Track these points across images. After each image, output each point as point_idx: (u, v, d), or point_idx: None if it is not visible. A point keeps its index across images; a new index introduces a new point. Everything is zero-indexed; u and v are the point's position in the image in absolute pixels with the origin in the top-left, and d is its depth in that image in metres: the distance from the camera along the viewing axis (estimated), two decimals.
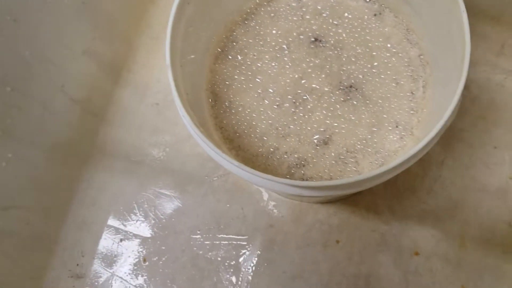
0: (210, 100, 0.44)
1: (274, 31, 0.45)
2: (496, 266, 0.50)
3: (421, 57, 0.43)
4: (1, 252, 0.46)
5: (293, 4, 0.45)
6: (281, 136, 0.42)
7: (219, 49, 0.45)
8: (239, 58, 0.45)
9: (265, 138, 0.43)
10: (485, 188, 0.52)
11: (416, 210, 0.53)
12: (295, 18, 0.45)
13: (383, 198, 0.53)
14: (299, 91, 0.43)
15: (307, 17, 0.45)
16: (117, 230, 0.55)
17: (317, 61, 0.43)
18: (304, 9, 0.45)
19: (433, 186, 0.53)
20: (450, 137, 0.54)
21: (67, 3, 0.46)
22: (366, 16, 0.44)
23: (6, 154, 0.44)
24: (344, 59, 0.43)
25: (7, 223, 0.46)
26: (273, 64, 0.44)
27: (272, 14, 0.45)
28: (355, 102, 0.42)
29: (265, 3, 0.46)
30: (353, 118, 0.41)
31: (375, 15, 0.44)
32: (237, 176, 0.54)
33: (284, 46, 0.44)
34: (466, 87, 0.36)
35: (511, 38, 0.54)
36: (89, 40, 0.51)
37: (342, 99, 0.42)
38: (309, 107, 0.42)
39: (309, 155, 0.41)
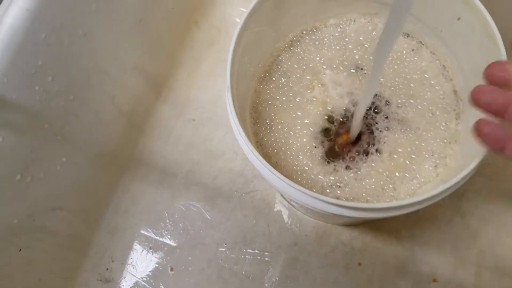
0: (253, 119, 0.47)
1: (317, 58, 0.48)
2: None
3: (455, 92, 0.45)
4: (44, 249, 0.48)
5: (336, 34, 0.49)
6: (316, 156, 0.45)
7: (264, 72, 0.48)
8: (282, 80, 0.48)
9: (300, 157, 0.45)
10: (503, 221, 0.55)
11: (436, 238, 0.55)
12: (338, 47, 0.48)
13: (405, 224, 0.56)
14: (338, 110, 0.46)
15: (350, 46, 0.48)
16: (147, 238, 0.57)
17: (356, 86, 0.46)
18: (347, 39, 0.48)
19: (453, 216, 0.55)
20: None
21: (127, 19, 0.49)
22: (404, 51, 0.47)
23: (61, 158, 0.47)
24: (384, 87, 0.46)
25: (53, 223, 0.48)
26: (313, 85, 0.47)
27: (317, 42, 0.48)
28: (395, 129, 0.45)
29: (310, 32, 0.49)
30: (392, 145, 0.44)
31: (412, 50, 0.47)
32: (265, 193, 0.56)
33: (327, 70, 0.47)
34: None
35: None
36: (139, 56, 0.54)
37: (386, 123, 0.45)
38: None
39: (345, 177, 0.44)
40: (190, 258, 0.57)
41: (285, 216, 0.57)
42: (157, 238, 0.57)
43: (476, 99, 0.31)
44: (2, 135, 0.38)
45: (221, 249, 0.57)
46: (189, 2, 0.61)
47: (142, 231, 0.58)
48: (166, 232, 0.58)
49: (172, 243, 0.57)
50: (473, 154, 0.38)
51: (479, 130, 0.31)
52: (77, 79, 0.46)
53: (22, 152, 0.42)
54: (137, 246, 0.57)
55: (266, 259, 0.56)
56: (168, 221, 0.58)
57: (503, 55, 0.39)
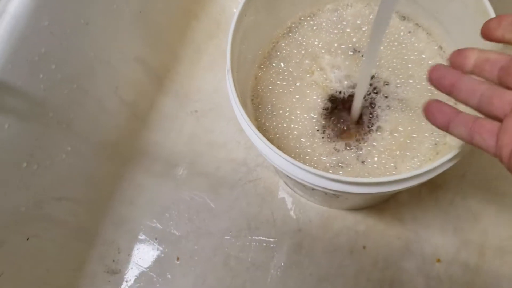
0: (254, 104, 0.47)
1: (316, 42, 0.49)
2: None
3: None
4: (51, 239, 0.49)
5: (334, 18, 0.49)
6: (317, 138, 0.45)
7: (264, 59, 0.49)
8: (282, 65, 0.48)
9: (302, 140, 0.46)
10: (503, 201, 0.55)
11: (438, 220, 0.55)
12: (335, 31, 0.49)
13: (408, 207, 0.56)
14: (338, 92, 0.47)
15: (348, 30, 0.49)
16: (152, 229, 0.58)
17: (355, 68, 0.47)
18: (344, 23, 0.49)
19: (454, 198, 0.56)
20: (471, 153, 0.57)
21: (128, 10, 0.50)
22: (402, 33, 0.48)
23: (66, 146, 0.47)
24: (382, 68, 0.47)
25: (59, 212, 0.49)
26: (312, 70, 0.48)
27: (315, 27, 0.49)
28: (395, 108, 0.45)
29: (308, 18, 0.50)
30: (393, 125, 0.45)
31: (409, 32, 0.48)
32: (269, 181, 0.57)
33: (325, 55, 0.48)
34: None
35: None
36: (140, 48, 0.55)
37: (386, 102, 0.46)
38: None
39: (347, 157, 0.44)
40: (196, 247, 0.57)
41: (288, 203, 0.58)
42: (163, 228, 0.58)
43: (429, 77, 0.34)
44: (8, 122, 0.39)
45: (226, 237, 0.57)
46: None
47: (147, 222, 0.58)
48: (172, 223, 0.58)
49: (178, 233, 0.58)
50: None
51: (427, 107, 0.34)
52: (80, 68, 0.47)
53: (28, 140, 0.42)
54: (143, 237, 0.58)
55: (271, 245, 0.57)
56: (173, 211, 0.58)
57: None
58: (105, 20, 0.48)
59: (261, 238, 0.57)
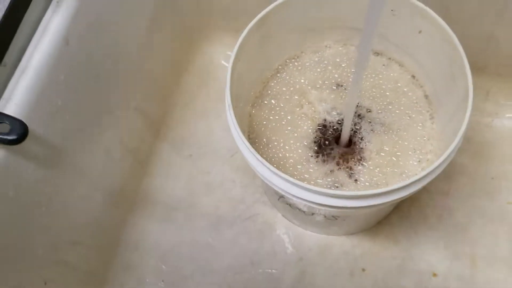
0: (250, 139, 0.51)
1: (302, 80, 0.54)
2: (505, 280, 0.56)
3: (427, 96, 0.52)
4: (66, 284, 0.50)
5: (316, 59, 0.55)
6: (312, 164, 0.49)
7: (256, 98, 0.53)
8: (273, 102, 0.53)
9: (298, 167, 0.50)
10: (486, 212, 0.60)
11: (430, 237, 0.59)
12: (319, 70, 0.54)
13: (399, 228, 0.60)
14: (326, 122, 0.51)
15: (329, 67, 0.54)
16: (158, 272, 0.60)
17: (340, 100, 0.52)
18: (326, 62, 0.54)
19: (442, 214, 0.60)
20: (453, 171, 0.61)
21: (128, 63, 0.55)
22: (377, 66, 0.54)
23: (80, 192, 0.50)
24: (364, 97, 0.52)
25: (73, 257, 0.51)
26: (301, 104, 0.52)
27: (300, 67, 0.54)
28: (378, 131, 0.50)
29: (293, 59, 0.55)
30: (379, 146, 0.49)
31: (383, 65, 0.54)
32: (267, 216, 0.60)
33: (312, 90, 0.53)
34: None
35: (494, 86, 0.64)
36: (139, 98, 0.59)
37: (370, 127, 0.50)
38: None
39: (341, 178, 0.48)
40: (201, 286, 0.59)
41: (288, 235, 0.61)
42: (168, 270, 0.60)
43: None
44: (32, 167, 0.42)
45: (230, 273, 0.59)
46: (180, 50, 0.68)
47: (153, 265, 0.60)
48: (176, 264, 0.60)
49: (183, 274, 0.60)
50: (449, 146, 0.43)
51: None
52: (90, 118, 0.50)
53: (48, 185, 0.45)
54: (150, 280, 0.59)
55: (275, 276, 0.59)
56: (177, 253, 0.60)
57: (463, 57, 0.45)
58: (111, 73, 0.52)
59: (265, 270, 0.59)
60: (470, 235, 0.59)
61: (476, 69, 0.46)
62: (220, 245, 0.61)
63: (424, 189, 0.60)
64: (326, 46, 0.55)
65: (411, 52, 0.53)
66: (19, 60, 0.41)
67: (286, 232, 0.61)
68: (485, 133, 0.64)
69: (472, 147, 0.63)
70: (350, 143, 0.50)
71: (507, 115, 0.64)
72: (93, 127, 0.51)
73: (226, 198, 0.63)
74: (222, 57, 0.71)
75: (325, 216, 0.52)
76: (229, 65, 0.46)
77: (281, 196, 0.52)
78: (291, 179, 0.41)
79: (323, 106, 0.52)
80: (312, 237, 0.60)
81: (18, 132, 0.37)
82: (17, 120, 0.37)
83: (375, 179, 0.48)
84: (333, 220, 0.52)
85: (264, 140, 0.51)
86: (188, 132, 0.67)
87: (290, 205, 0.53)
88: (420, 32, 0.50)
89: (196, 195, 0.63)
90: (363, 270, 0.59)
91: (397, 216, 0.60)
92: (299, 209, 0.53)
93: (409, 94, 0.52)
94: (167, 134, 0.66)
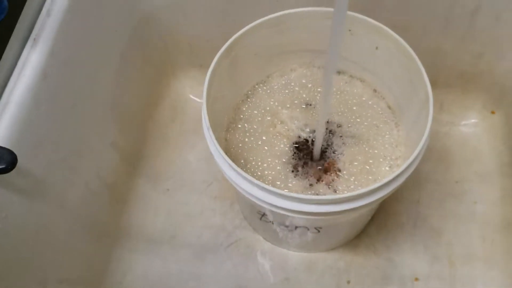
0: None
1: (272, 102, 0.56)
2: (483, 275, 0.59)
3: (390, 106, 0.55)
4: None
5: (283, 82, 0.58)
6: (291, 179, 0.51)
7: (230, 123, 0.55)
8: (246, 125, 0.55)
9: (277, 183, 0.51)
10: (456, 214, 0.63)
11: (408, 243, 0.62)
12: (287, 91, 0.57)
13: (378, 238, 0.62)
14: (301, 138, 0.54)
15: (296, 88, 0.57)
16: None
17: (310, 118, 0.55)
18: (292, 84, 0.57)
19: (416, 221, 0.63)
20: (420, 179, 0.65)
21: (104, 98, 0.57)
22: (341, 83, 0.57)
23: (64, 226, 0.50)
24: (333, 114, 0.55)
25: None
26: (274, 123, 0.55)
27: (269, 91, 0.57)
28: (349, 144, 0.53)
29: (261, 84, 0.58)
30: (351, 157, 0.52)
31: (346, 82, 0.57)
32: (249, 240, 0.61)
33: (283, 110, 0.56)
34: None
35: (446, 98, 0.69)
36: (115, 133, 0.61)
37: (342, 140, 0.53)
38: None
39: (321, 190, 0.50)
40: None
41: (271, 257, 0.62)
42: None
43: None
44: (19, 200, 0.42)
45: None
46: (150, 86, 0.70)
47: None
48: None
49: None
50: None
51: None
52: (71, 150, 0.51)
53: (34, 218, 0.45)
54: None
55: None
56: (164, 285, 0.60)
57: (420, 68, 0.49)
58: (87, 106, 0.53)
59: None
60: (445, 237, 0.62)
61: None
62: (206, 274, 0.61)
63: (396, 199, 0.63)
64: (291, 70, 0.59)
65: (371, 67, 0.56)
66: (0, 95, 0.43)
67: (269, 254, 0.62)
68: (444, 141, 0.68)
69: (434, 155, 0.67)
70: (326, 156, 0.53)
71: (462, 123, 0.69)
72: (73, 160, 0.52)
73: (207, 227, 0.64)
74: (190, 91, 0.73)
75: (308, 229, 0.53)
76: (203, 92, 0.48)
77: (263, 215, 0.53)
78: (274, 189, 0.42)
79: (296, 124, 0.55)
80: (295, 256, 0.62)
81: (7, 161, 0.37)
82: (5, 149, 0.37)
83: (352, 187, 0.51)
84: (316, 233, 0.54)
85: (242, 161, 0.53)
86: (164, 165, 0.68)
87: (272, 223, 0.54)
88: (377, 48, 0.54)
89: (177, 227, 0.64)
90: (348, 282, 0.60)
91: (374, 228, 0.63)
92: (281, 226, 0.54)
93: (374, 106, 0.56)
94: (143, 168, 0.67)
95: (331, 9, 0.51)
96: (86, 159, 0.54)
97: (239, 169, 0.44)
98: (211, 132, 0.46)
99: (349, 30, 0.54)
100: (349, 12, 0.51)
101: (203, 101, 0.47)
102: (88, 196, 0.55)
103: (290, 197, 0.43)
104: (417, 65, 0.49)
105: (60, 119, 0.48)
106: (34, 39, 0.45)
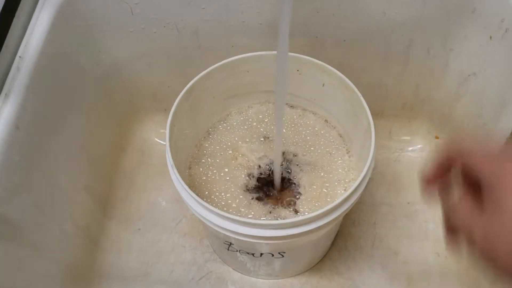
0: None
1: (232, 137, 0.61)
2: None
3: (341, 135, 0.61)
4: None
5: (241, 118, 0.63)
6: (254, 205, 0.55)
7: (193, 159, 0.59)
8: (209, 160, 0.59)
9: (242, 209, 0.55)
10: (410, 233, 0.68)
11: (367, 263, 0.66)
12: (245, 127, 0.62)
13: (340, 261, 0.66)
14: (261, 168, 0.58)
15: (254, 123, 0.62)
16: None
17: (268, 149, 0.60)
18: (250, 120, 0.62)
19: (374, 242, 0.67)
20: (375, 204, 0.70)
21: (74, 144, 0.61)
22: (295, 116, 0.62)
23: (40, 270, 0.52)
24: (288, 144, 0.60)
25: None
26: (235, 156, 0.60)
27: (228, 127, 0.62)
28: (306, 170, 0.58)
29: (221, 121, 0.62)
30: (309, 182, 0.57)
31: (299, 115, 0.63)
32: (219, 271, 0.64)
33: (243, 144, 0.60)
34: (374, 166, 0.53)
35: (394, 126, 0.75)
36: (85, 177, 0.64)
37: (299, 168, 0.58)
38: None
39: (282, 213, 0.55)
40: None
41: (242, 286, 0.65)
42: None
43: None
44: None
45: None
46: (116, 132, 0.74)
47: None
48: None
49: None
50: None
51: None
52: (44, 195, 0.54)
53: (10, 263, 0.47)
54: None
55: None
56: None
57: (362, 101, 0.54)
58: (58, 153, 0.57)
59: None
60: (401, 255, 0.66)
61: (376, 113, 0.55)
62: None
63: (354, 223, 0.68)
64: (248, 106, 0.64)
65: (319, 102, 0.62)
66: None
67: (239, 284, 0.65)
68: (394, 166, 0.73)
69: (386, 180, 0.72)
70: (285, 183, 0.57)
71: (410, 149, 0.75)
72: (46, 205, 0.54)
73: (178, 262, 0.66)
74: (155, 134, 0.77)
75: (272, 255, 0.56)
76: (166, 132, 0.52)
77: (230, 244, 0.57)
78: (236, 217, 0.46)
79: (255, 156, 0.59)
80: (264, 284, 0.65)
81: None
82: None
83: (312, 209, 0.55)
84: (281, 258, 0.57)
85: (206, 192, 0.57)
86: (134, 207, 0.71)
87: (239, 252, 0.58)
88: (323, 85, 0.59)
89: (149, 264, 0.66)
90: None
91: (336, 251, 0.67)
92: (248, 254, 0.57)
93: (326, 135, 0.61)
94: (114, 211, 0.70)
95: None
96: (60, 203, 0.57)
97: (202, 201, 0.47)
98: (175, 170, 0.50)
99: (297, 70, 0.59)
100: (297, 54, 0.57)
101: (166, 142, 0.51)
102: (63, 239, 0.58)
103: (251, 223, 0.46)
104: (359, 98, 0.54)
105: (33, 166, 0.52)
106: (6, 94, 0.49)
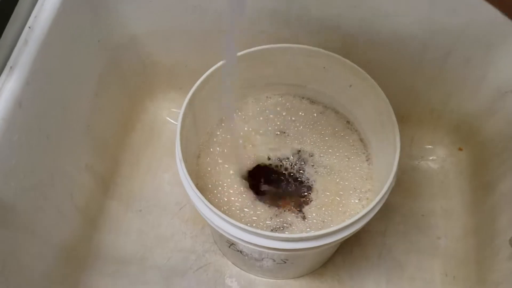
0: (198, 184, 0.54)
1: (246, 128, 0.58)
2: None
3: (362, 139, 0.57)
4: None
5: (258, 108, 0.59)
6: (258, 206, 0.53)
7: (203, 146, 0.57)
8: (218, 149, 0.56)
9: (245, 209, 0.53)
10: (420, 248, 0.65)
11: (372, 274, 0.63)
12: (261, 118, 0.58)
13: (343, 267, 0.64)
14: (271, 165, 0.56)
15: (271, 116, 0.59)
16: None
17: (282, 144, 0.57)
18: (267, 111, 0.59)
19: (381, 251, 0.64)
20: (387, 211, 0.67)
21: (79, 124, 0.58)
22: (315, 114, 0.59)
23: (32, 251, 0.50)
24: (305, 143, 0.57)
25: None
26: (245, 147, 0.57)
27: (244, 117, 0.59)
28: (321, 173, 0.55)
29: (236, 110, 0.59)
30: (322, 186, 0.54)
31: (321, 113, 0.59)
32: (218, 264, 0.62)
33: (256, 136, 0.57)
34: None
35: (417, 133, 0.71)
36: (89, 157, 0.61)
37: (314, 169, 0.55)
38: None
39: (289, 218, 0.52)
40: None
41: (239, 282, 0.63)
42: None
43: None
44: None
45: None
46: (126, 109, 0.71)
47: None
48: None
49: None
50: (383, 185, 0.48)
51: None
52: (43, 177, 0.51)
53: (2, 246, 0.45)
54: None
55: None
56: None
57: (389, 107, 0.51)
58: (62, 133, 0.54)
59: None
60: (408, 271, 0.63)
61: (400, 117, 0.52)
62: None
63: (364, 229, 0.64)
64: (266, 97, 0.60)
65: (343, 102, 0.58)
66: None
67: (237, 280, 0.63)
68: (413, 174, 0.70)
69: (402, 188, 0.69)
70: (297, 184, 0.54)
71: (431, 158, 0.71)
72: (45, 186, 0.52)
73: (177, 249, 0.64)
74: (166, 113, 0.74)
75: (274, 261, 0.54)
76: (178, 123, 0.49)
77: (232, 244, 0.54)
78: (243, 226, 0.44)
79: (267, 150, 0.56)
80: (262, 282, 0.63)
81: None
82: None
83: (322, 217, 0.52)
84: (282, 263, 0.55)
85: (210, 186, 0.54)
86: (137, 188, 0.68)
87: (240, 251, 0.55)
88: (350, 86, 0.56)
89: (147, 249, 0.64)
90: None
91: (340, 257, 0.64)
92: (250, 255, 0.55)
93: (346, 137, 0.57)
94: (117, 191, 0.68)
95: (307, 47, 0.54)
96: (59, 184, 0.55)
97: (209, 204, 0.45)
98: (183, 165, 0.47)
99: (324, 67, 0.56)
100: (325, 51, 0.54)
101: (177, 133, 0.48)
102: (59, 220, 0.56)
103: (257, 233, 0.44)
104: (386, 106, 0.51)
105: (34, 147, 0.49)
106: (11, 67, 0.45)
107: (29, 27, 0.47)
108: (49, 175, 0.53)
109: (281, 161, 0.56)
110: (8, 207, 0.45)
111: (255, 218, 0.52)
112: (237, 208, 0.53)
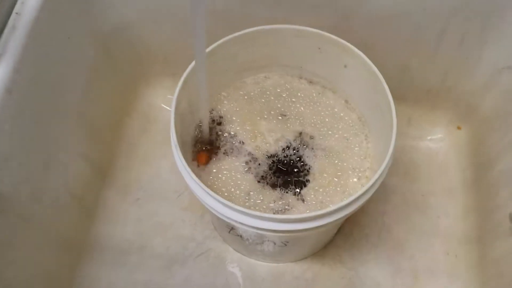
0: (199, 167, 0.54)
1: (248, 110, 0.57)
2: None
3: (360, 118, 0.57)
4: None
5: (258, 89, 0.59)
6: (265, 189, 0.52)
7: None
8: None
9: (251, 193, 0.52)
10: (421, 227, 0.65)
11: (372, 254, 0.63)
12: (263, 100, 0.58)
13: (344, 248, 0.63)
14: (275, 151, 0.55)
15: (272, 98, 0.58)
16: None
17: (285, 129, 0.56)
18: (268, 93, 0.59)
19: (381, 232, 0.64)
20: (387, 192, 0.66)
21: (71, 111, 0.58)
22: (314, 94, 0.58)
23: (29, 242, 0.50)
24: (306, 125, 0.57)
25: None
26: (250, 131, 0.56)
27: (246, 97, 0.58)
28: (320, 156, 0.54)
29: (236, 89, 0.59)
30: (321, 168, 0.53)
31: (319, 93, 0.59)
32: (218, 250, 0.62)
33: (261, 121, 0.57)
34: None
35: (415, 113, 0.71)
36: (83, 145, 0.60)
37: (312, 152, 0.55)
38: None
39: (290, 200, 0.51)
40: None
41: (240, 267, 0.62)
42: None
43: None
44: None
45: None
46: (120, 96, 0.70)
47: None
48: None
49: None
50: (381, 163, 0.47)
51: None
52: (37, 166, 0.51)
53: None
54: None
55: None
56: None
57: (384, 85, 0.50)
58: (54, 121, 0.53)
59: None
60: (409, 250, 0.63)
61: (397, 98, 0.51)
62: (175, 284, 0.61)
63: (363, 210, 0.65)
64: (265, 77, 0.60)
65: (339, 82, 0.58)
66: None
67: (238, 265, 0.63)
68: (411, 154, 0.70)
69: (401, 168, 0.68)
70: (296, 168, 0.54)
71: (429, 138, 0.71)
72: (40, 174, 0.51)
73: (176, 237, 0.64)
74: (161, 100, 0.73)
75: (275, 244, 0.54)
76: (172, 108, 0.48)
77: (232, 228, 0.54)
78: (241, 208, 0.43)
79: (273, 137, 0.56)
80: (264, 267, 0.62)
81: None
82: None
83: (320, 197, 0.52)
84: (283, 246, 0.55)
85: (214, 170, 0.53)
86: (134, 176, 0.68)
87: (241, 236, 0.55)
88: (345, 66, 0.55)
89: (146, 237, 0.64)
90: None
91: (341, 238, 0.64)
92: (250, 240, 0.55)
93: (345, 118, 0.57)
94: (113, 179, 0.67)
95: (300, 27, 0.54)
96: (55, 172, 0.54)
97: (207, 189, 0.44)
98: (179, 152, 0.47)
99: (319, 48, 0.55)
100: (318, 31, 0.53)
101: (171, 123, 0.48)
102: (56, 210, 0.55)
103: (256, 216, 0.44)
104: (382, 84, 0.50)
105: (26, 135, 0.48)
106: (0, 54, 0.45)
107: (17, 13, 0.46)
108: (44, 164, 0.52)
109: (284, 148, 0.55)
110: (4, 196, 0.45)
111: (259, 201, 0.51)
112: (242, 193, 0.52)
